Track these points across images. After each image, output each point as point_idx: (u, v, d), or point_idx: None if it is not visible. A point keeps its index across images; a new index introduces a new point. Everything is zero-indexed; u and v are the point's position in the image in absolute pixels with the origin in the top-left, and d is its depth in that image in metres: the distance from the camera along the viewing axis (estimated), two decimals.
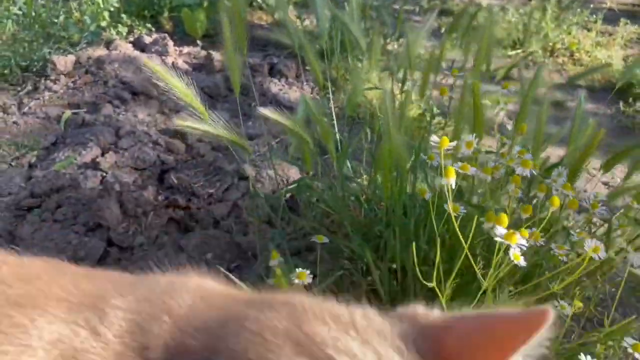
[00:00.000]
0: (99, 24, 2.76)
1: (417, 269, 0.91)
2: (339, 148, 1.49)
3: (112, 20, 2.81)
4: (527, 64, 3.67)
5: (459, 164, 0.92)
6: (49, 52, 2.45)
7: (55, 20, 2.75)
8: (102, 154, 1.82)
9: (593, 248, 0.81)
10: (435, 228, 0.90)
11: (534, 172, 0.98)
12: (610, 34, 4.11)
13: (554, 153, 1.89)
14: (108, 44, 2.69)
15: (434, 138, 0.84)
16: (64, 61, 2.39)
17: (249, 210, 1.61)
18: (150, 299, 0.53)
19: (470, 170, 0.92)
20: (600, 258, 0.82)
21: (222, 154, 1.90)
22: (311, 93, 2.41)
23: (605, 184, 2.25)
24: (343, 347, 0.45)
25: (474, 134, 0.99)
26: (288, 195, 1.73)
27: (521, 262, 0.75)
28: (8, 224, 1.54)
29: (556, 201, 0.85)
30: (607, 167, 1.23)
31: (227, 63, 1.18)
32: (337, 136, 1.50)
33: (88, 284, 0.56)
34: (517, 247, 0.75)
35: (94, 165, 1.77)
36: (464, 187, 1.13)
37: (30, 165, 1.82)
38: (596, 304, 1.27)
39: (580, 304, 0.93)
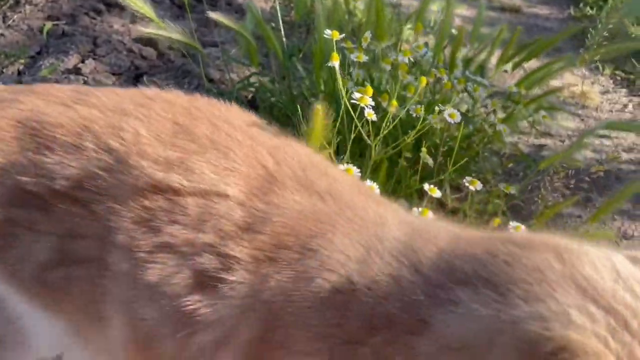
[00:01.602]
0: None
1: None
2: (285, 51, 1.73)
3: None
4: None
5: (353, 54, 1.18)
6: None
7: None
8: (82, 61, 2.05)
9: (450, 114, 1.09)
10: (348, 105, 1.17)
11: (405, 60, 1.22)
12: None
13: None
14: None
15: (326, 32, 1.09)
16: None
17: None
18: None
19: (363, 58, 1.18)
20: (454, 123, 1.10)
21: (191, 60, 2.13)
22: (273, 2, 2.60)
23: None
24: (621, 299, 0.47)
25: (373, 32, 1.24)
26: (251, 95, 1.99)
27: (373, 118, 1.03)
28: None
29: (423, 80, 1.12)
30: (500, 61, 1.49)
31: None
32: (284, 40, 1.73)
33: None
34: (369, 107, 1.02)
35: (76, 71, 2.01)
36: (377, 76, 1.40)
37: (19, 72, 2.06)
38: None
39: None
